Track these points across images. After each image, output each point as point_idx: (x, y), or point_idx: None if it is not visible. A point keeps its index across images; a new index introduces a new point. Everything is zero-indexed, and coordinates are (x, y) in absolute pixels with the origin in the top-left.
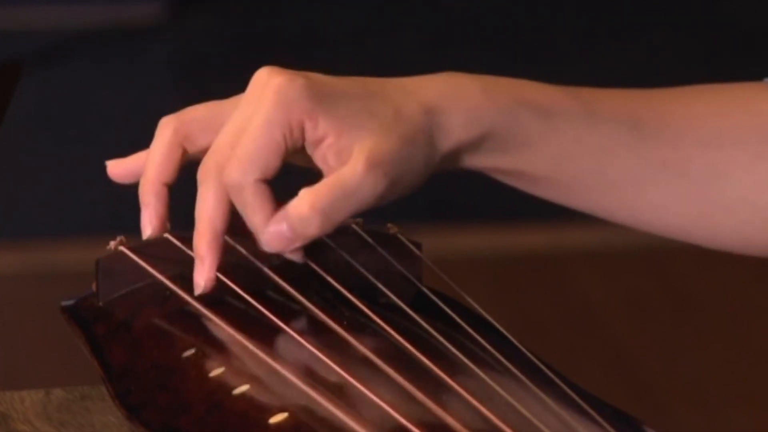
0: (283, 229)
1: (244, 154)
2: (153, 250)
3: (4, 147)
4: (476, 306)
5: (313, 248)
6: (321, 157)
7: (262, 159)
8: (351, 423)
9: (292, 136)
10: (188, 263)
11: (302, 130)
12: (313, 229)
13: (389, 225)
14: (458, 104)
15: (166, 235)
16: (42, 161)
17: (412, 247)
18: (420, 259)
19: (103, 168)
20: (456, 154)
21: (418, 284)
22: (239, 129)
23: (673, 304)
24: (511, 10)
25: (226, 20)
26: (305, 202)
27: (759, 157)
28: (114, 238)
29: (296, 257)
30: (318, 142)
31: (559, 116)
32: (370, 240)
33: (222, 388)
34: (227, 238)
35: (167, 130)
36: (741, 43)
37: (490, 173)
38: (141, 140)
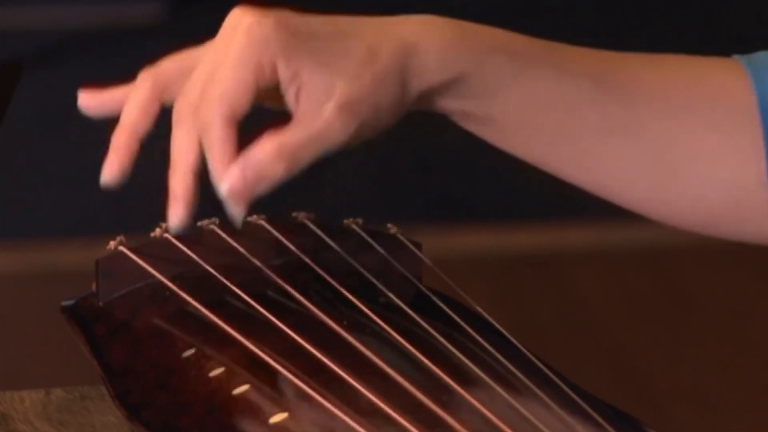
0: (246, 172)
1: (215, 92)
2: (153, 250)
3: (4, 147)
4: (476, 306)
5: (314, 249)
6: (292, 96)
7: (231, 96)
8: (351, 422)
9: (263, 75)
10: (188, 263)
11: (274, 70)
12: (278, 170)
13: (389, 225)
14: (432, 45)
15: (166, 235)
16: (42, 161)
17: (412, 247)
18: (420, 259)
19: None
20: (428, 95)
21: (418, 284)
22: (211, 69)
23: (673, 304)
24: (511, 10)
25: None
26: (271, 142)
27: (720, 131)
28: (114, 238)
29: (237, 211)
30: (290, 81)
31: (530, 66)
32: (370, 240)
33: (222, 388)
34: (227, 238)
35: (146, 83)
36: (741, 43)
37: (459, 118)
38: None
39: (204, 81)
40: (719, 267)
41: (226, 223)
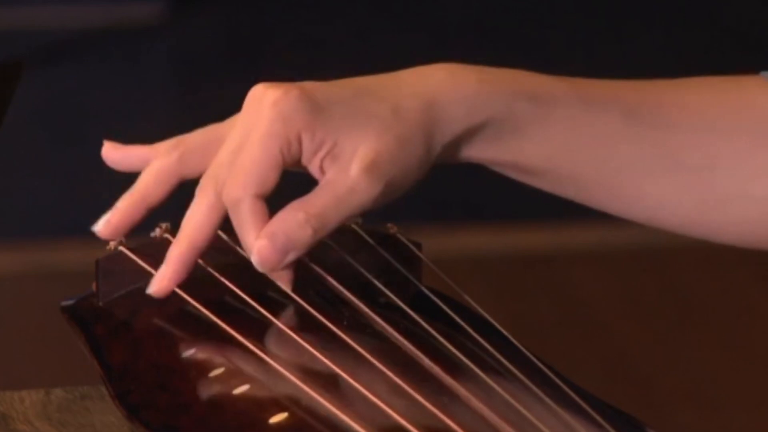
0: (276, 240)
1: (242, 169)
2: (153, 250)
3: (4, 147)
4: (476, 306)
5: (314, 248)
6: (317, 166)
7: (260, 174)
8: (351, 422)
9: (290, 150)
10: None
11: (300, 143)
12: (306, 237)
13: (389, 225)
14: (456, 95)
15: (166, 235)
16: (42, 161)
17: (412, 247)
18: (420, 259)
19: (104, 168)
20: (454, 145)
21: (418, 284)
22: (237, 146)
23: (673, 304)
24: (511, 10)
25: (226, 20)
26: (298, 210)
27: (752, 147)
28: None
29: (284, 282)
30: (315, 151)
31: (555, 105)
32: (370, 240)
33: (222, 388)
34: (227, 238)
35: (171, 156)
36: (740, 43)
37: (488, 164)
38: (141, 140)
39: (230, 157)
40: (719, 267)
41: (225, 224)
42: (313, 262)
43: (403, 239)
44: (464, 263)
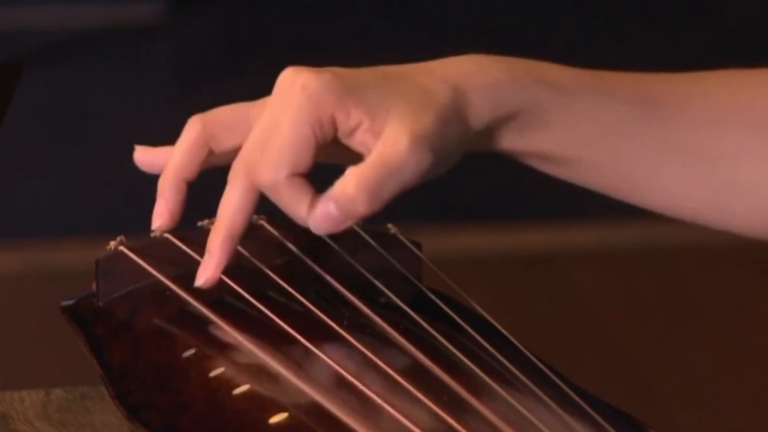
0: (331, 209)
1: (274, 152)
2: (153, 250)
3: (4, 147)
4: (476, 306)
5: (313, 248)
6: (360, 142)
7: (292, 155)
8: (351, 423)
9: (322, 130)
10: (188, 263)
11: (333, 124)
12: (361, 209)
13: (389, 225)
14: (483, 84)
15: (167, 234)
16: (42, 161)
17: (412, 247)
18: (420, 259)
19: (103, 168)
20: (484, 134)
21: (418, 284)
22: (269, 129)
23: (673, 304)
24: (511, 10)
25: (226, 20)
26: (352, 182)
27: (763, 139)
28: (114, 238)
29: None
30: (353, 130)
31: (578, 96)
32: (370, 240)
33: (222, 388)
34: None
35: (195, 127)
36: (740, 43)
37: (515, 154)
38: (141, 140)
39: (261, 140)
40: (719, 267)
41: None
42: (314, 262)
43: (403, 239)
44: (464, 263)
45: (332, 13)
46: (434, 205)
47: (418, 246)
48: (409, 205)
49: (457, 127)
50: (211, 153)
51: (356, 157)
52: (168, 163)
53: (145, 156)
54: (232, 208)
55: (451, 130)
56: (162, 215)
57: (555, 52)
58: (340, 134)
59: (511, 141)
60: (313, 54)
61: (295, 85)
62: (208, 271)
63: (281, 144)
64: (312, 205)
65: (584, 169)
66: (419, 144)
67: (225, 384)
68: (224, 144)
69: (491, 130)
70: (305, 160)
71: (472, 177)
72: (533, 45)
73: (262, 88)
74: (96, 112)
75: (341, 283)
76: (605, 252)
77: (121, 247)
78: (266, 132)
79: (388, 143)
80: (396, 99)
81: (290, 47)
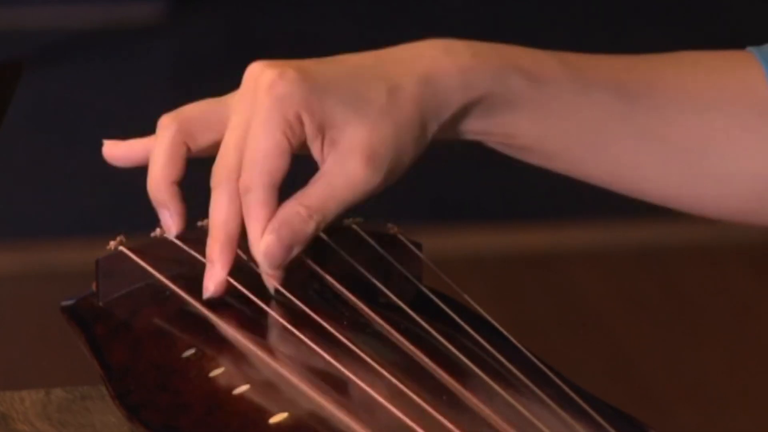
0: (281, 231)
1: (252, 159)
2: (153, 250)
3: (4, 147)
4: (476, 306)
5: (314, 248)
6: (318, 149)
7: (269, 162)
8: (351, 423)
9: (294, 132)
10: (188, 263)
11: (301, 123)
12: (309, 231)
13: (389, 225)
14: (451, 70)
15: (166, 235)
16: (42, 161)
17: (412, 247)
18: (420, 259)
19: (103, 168)
20: (450, 122)
21: (418, 284)
22: (242, 131)
23: (673, 304)
24: (511, 9)
25: (226, 20)
26: (299, 203)
27: (742, 126)
28: (114, 238)
29: (271, 285)
30: (315, 134)
31: (548, 81)
32: (370, 240)
33: (222, 388)
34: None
35: (170, 128)
36: (740, 43)
37: (482, 140)
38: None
39: (236, 142)
40: (719, 267)
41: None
42: (313, 262)
43: (403, 239)
44: (464, 263)
45: (332, 13)
46: (434, 205)
47: (418, 246)
48: (409, 205)
49: (420, 126)
50: (188, 150)
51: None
52: (152, 171)
53: (114, 150)
54: (223, 215)
55: (410, 137)
56: (175, 223)
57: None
58: (307, 135)
59: (476, 124)
60: (313, 54)
61: (260, 86)
62: (214, 280)
63: (256, 152)
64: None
65: (558, 158)
66: (369, 165)
67: (225, 384)
68: (200, 142)
69: (457, 116)
70: (282, 167)
71: (471, 177)
72: (533, 44)
73: None
74: (96, 112)
75: (341, 283)
76: (605, 252)
77: (121, 247)
78: (239, 134)
79: (342, 157)
80: (360, 104)
81: (290, 47)
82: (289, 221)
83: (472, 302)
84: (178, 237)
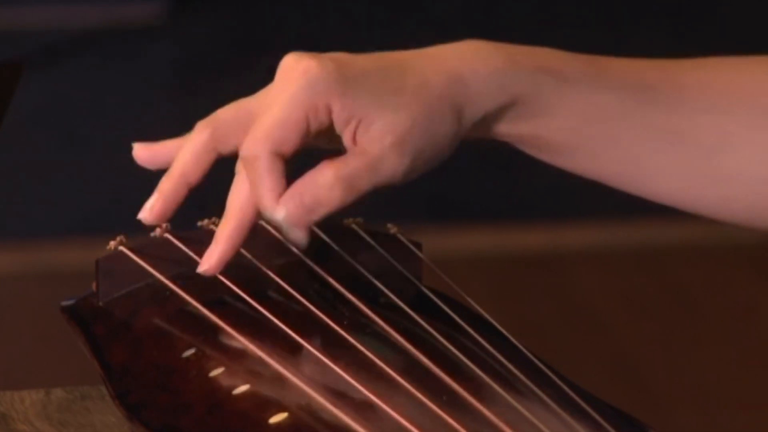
0: (304, 197)
1: (262, 126)
2: (153, 250)
3: (4, 147)
4: (476, 306)
5: (314, 249)
6: (349, 136)
7: (279, 132)
8: (351, 423)
9: (317, 117)
10: (188, 263)
11: (328, 112)
12: (336, 196)
13: (389, 225)
14: (482, 71)
15: (167, 234)
16: (42, 161)
17: (412, 247)
18: (420, 259)
19: (103, 168)
20: (483, 122)
21: (418, 284)
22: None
23: (673, 304)
24: (512, 9)
25: (226, 20)
26: (329, 169)
27: (758, 128)
28: (114, 238)
29: (300, 236)
30: (346, 122)
31: (576, 82)
32: (370, 240)
33: (222, 388)
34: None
35: (203, 132)
36: (740, 43)
37: (513, 141)
38: (141, 140)
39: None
40: (719, 267)
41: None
42: (314, 262)
43: (403, 239)
44: (464, 263)
45: (332, 13)
46: (434, 205)
47: (418, 246)
48: (409, 205)
49: (452, 120)
50: (218, 158)
51: (341, 145)
52: (173, 165)
53: (145, 152)
54: (241, 201)
55: (442, 125)
56: (153, 209)
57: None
58: (336, 124)
59: (508, 127)
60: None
61: (297, 69)
62: (211, 259)
63: (271, 119)
64: (280, 192)
65: (581, 158)
66: (402, 147)
67: (225, 384)
68: (233, 143)
69: (489, 117)
70: (291, 142)
71: (472, 177)
72: (533, 44)
73: (262, 88)
74: (96, 112)
75: (341, 283)
76: (605, 252)
77: (121, 247)
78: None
79: (373, 140)
80: (391, 93)
81: (290, 47)
82: (314, 186)
83: (472, 302)
84: (178, 237)
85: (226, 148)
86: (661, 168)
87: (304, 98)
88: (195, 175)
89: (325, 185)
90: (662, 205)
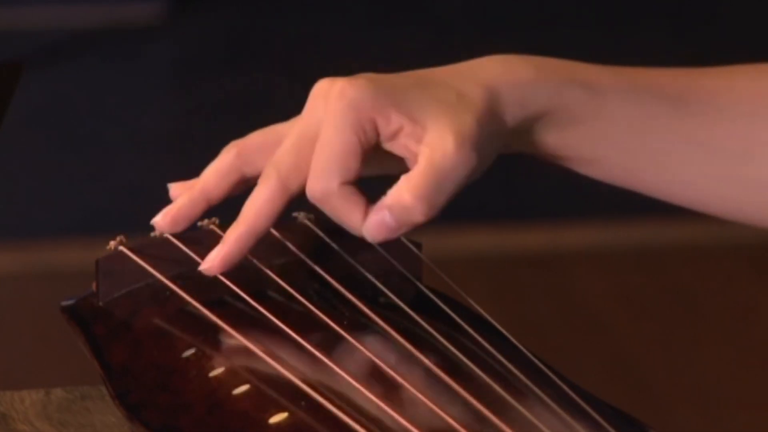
0: (387, 218)
1: (323, 161)
2: (153, 250)
3: (4, 147)
4: (476, 306)
5: (314, 249)
6: (402, 146)
7: (342, 162)
8: (351, 422)
9: (366, 135)
10: (188, 263)
11: (375, 128)
12: (418, 217)
13: None
14: (514, 83)
15: (167, 235)
16: (42, 161)
17: (412, 247)
18: (420, 259)
19: (103, 168)
20: (517, 133)
21: (418, 284)
22: (305, 136)
23: (673, 304)
24: (512, 9)
25: (226, 20)
26: (406, 190)
27: None
28: (114, 238)
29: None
30: (394, 134)
31: (607, 94)
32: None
33: (222, 388)
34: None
35: (230, 152)
36: (740, 43)
37: (541, 153)
38: (141, 140)
39: (296, 147)
40: (719, 267)
41: (225, 223)
42: (314, 262)
43: (403, 239)
44: (464, 263)
45: (332, 13)
46: None
47: (418, 246)
48: None
49: (494, 128)
50: (242, 180)
51: (398, 165)
52: (197, 183)
53: (180, 191)
54: (258, 206)
55: (489, 131)
56: (166, 216)
57: (555, 52)
58: (382, 139)
59: (540, 140)
60: (313, 54)
61: (331, 94)
62: (215, 260)
63: (329, 152)
64: (365, 213)
65: (612, 167)
66: (465, 144)
67: (225, 384)
68: (257, 165)
69: (522, 130)
70: (355, 167)
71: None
72: (534, 44)
73: (262, 88)
74: (96, 112)
75: (341, 283)
76: (605, 252)
77: (121, 247)
78: (302, 139)
79: (436, 147)
80: (433, 102)
81: (290, 47)
82: (398, 206)
83: (472, 302)
84: (178, 237)
85: (250, 170)
86: (695, 176)
87: (349, 120)
88: (216, 192)
89: (406, 207)
90: (662, 206)
